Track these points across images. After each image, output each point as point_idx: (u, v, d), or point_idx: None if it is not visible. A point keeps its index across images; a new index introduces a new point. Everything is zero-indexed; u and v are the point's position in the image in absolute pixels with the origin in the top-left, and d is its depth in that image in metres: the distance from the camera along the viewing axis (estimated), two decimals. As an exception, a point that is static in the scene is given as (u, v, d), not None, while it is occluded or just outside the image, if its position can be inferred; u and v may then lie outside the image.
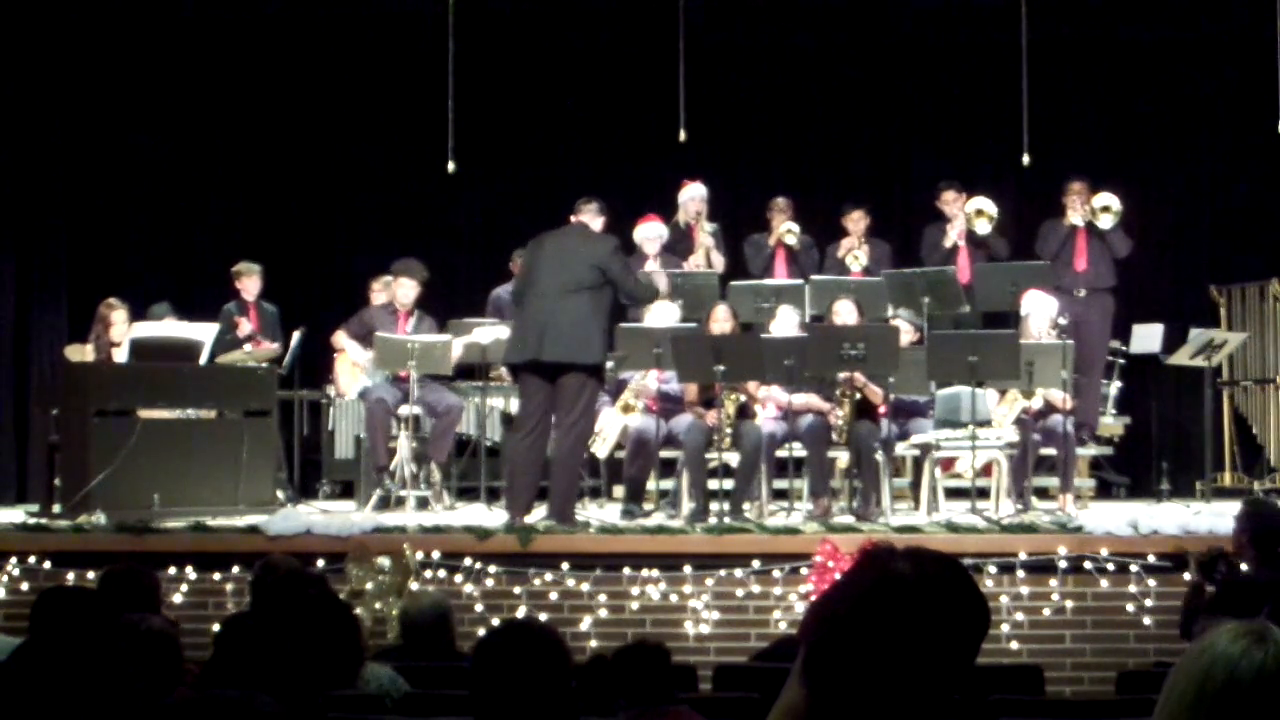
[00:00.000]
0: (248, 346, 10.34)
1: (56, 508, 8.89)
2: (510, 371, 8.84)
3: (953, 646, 1.91)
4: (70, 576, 7.81)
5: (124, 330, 9.87)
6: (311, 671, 4.39)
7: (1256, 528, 6.12)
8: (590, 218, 8.65)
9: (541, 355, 8.26)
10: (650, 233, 10.29)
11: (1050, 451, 9.05)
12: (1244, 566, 6.23)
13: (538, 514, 8.44)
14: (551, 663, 3.20)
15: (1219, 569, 6.18)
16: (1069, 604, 7.61)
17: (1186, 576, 7.20)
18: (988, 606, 1.96)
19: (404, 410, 9.60)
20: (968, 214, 10.50)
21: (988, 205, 10.46)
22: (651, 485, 9.33)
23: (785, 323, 9.28)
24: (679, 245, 10.57)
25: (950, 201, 10.64)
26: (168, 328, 10.05)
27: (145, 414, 9.10)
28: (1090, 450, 10.13)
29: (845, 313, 9.06)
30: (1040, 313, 9.14)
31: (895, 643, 1.88)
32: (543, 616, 7.66)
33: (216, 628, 5.45)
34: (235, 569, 7.86)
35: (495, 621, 7.73)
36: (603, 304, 8.42)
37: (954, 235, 10.53)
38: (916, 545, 1.96)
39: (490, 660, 3.21)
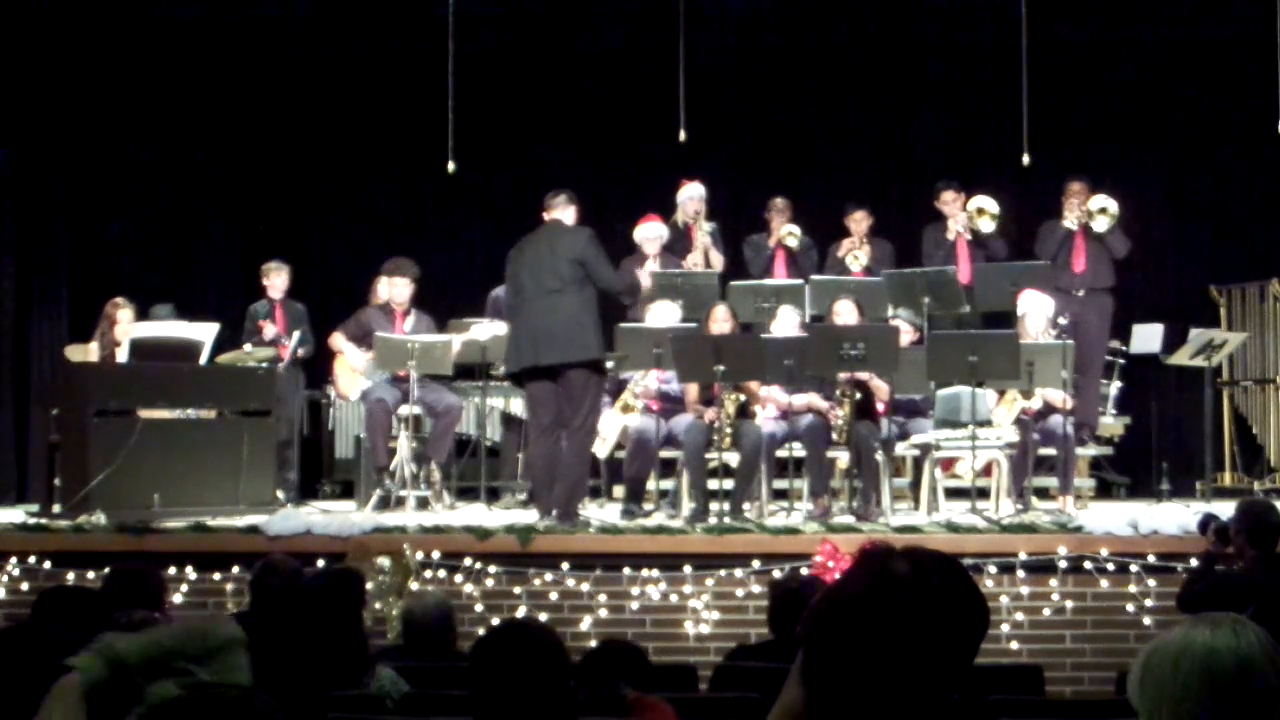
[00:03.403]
0: (248, 346, 10.33)
1: (56, 508, 8.88)
2: (513, 380, 8.86)
3: (951, 646, 1.90)
4: (70, 576, 7.81)
5: (129, 329, 9.88)
6: (311, 671, 4.39)
7: (1253, 527, 6.13)
8: (561, 211, 8.66)
9: (539, 360, 8.28)
10: (650, 233, 10.30)
11: (1050, 452, 9.05)
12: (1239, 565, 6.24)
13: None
14: (549, 662, 3.20)
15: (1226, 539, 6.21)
16: (1069, 604, 7.61)
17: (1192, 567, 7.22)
18: (986, 606, 1.95)
19: (404, 410, 9.60)
20: (969, 213, 10.50)
21: (989, 204, 10.46)
22: (651, 485, 9.34)
23: (785, 323, 9.29)
24: (677, 245, 10.58)
25: (949, 201, 10.63)
26: (167, 328, 10.06)
27: (145, 414, 9.09)
28: (1090, 450, 10.14)
29: (845, 313, 9.06)
30: (1037, 312, 9.14)
31: (893, 643, 1.87)
32: (543, 616, 7.66)
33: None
34: (235, 569, 7.86)
35: (495, 621, 7.73)
36: (590, 298, 8.42)
37: (956, 227, 10.52)
38: (914, 545, 1.96)
39: (488, 660, 3.21)
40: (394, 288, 9.97)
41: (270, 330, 10.53)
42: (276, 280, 10.81)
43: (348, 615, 4.74)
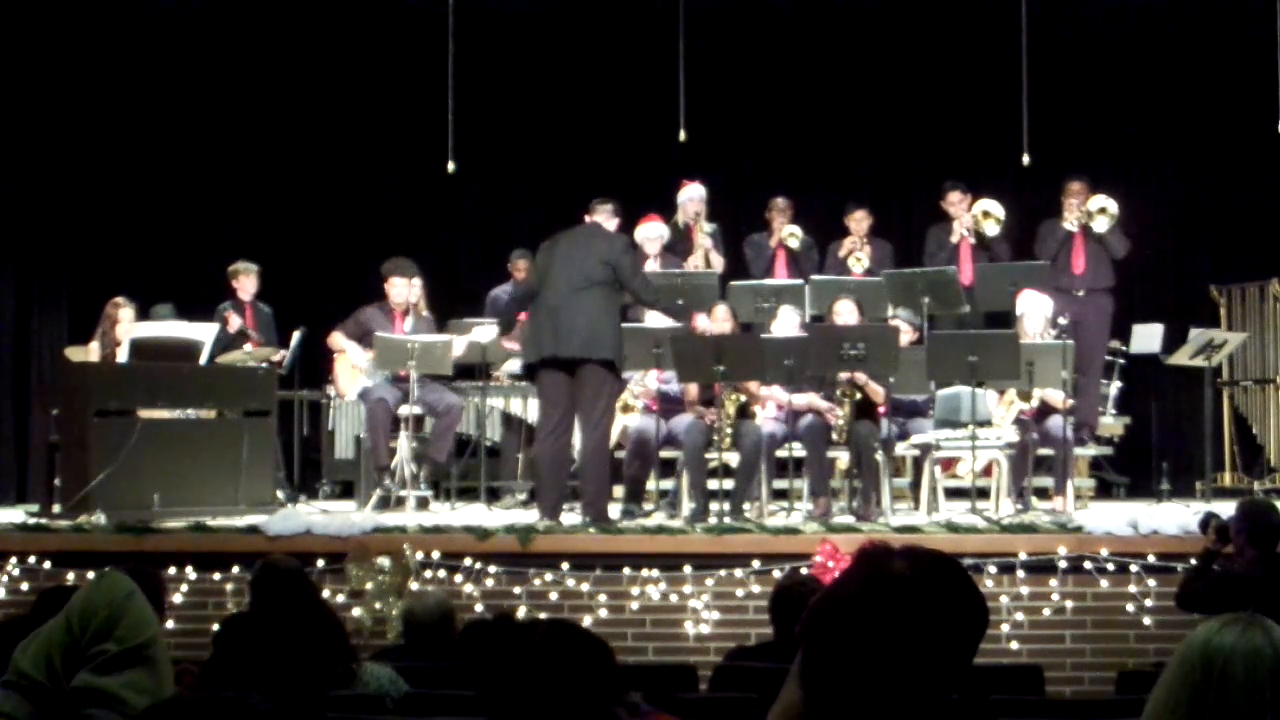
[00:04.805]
0: (248, 346, 10.34)
1: (56, 508, 8.89)
2: (527, 372, 8.86)
3: (950, 646, 1.90)
4: (70, 576, 7.80)
5: (129, 330, 9.88)
6: (310, 671, 4.38)
7: (1253, 527, 6.14)
8: (605, 218, 8.72)
9: (558, 351, 8.32)
10: (651, 233, 10.29)
11: (1050, 452, 9.05)
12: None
13: (572, 516, 8.47)
14: (599, 667, 3.07)
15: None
16: (1069, 604, 7.61)
17: (1190, 568, 7.24)
18: (985, 606, 1.95)
19: (404, 410, 9.60)
20: (975, 216, 10.50)
21: (995, 208, 10.46)
22: (651, 485, 9.34)
23: (785, 323, 9.29)
24: (678, 245, 10.58)
25: (955, 203, 10.64)
26: (168, 328, 10.06)
27: (145, 414, 9.09)
28: (1090, 450, 10.14)
29: (845, 313, 9.06)
30: (1035, 312, 9.15)
31: (892, 642, 1.87)
32: (542, 616, 7.67)
33: (216, 628, 5.45)
34: (235, 569, 7.86)
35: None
36: (614, 301, 8.48)
37: (960, 230, 10.53)
38: (913, 544, 1.96)
39: (535, 661, 3.05)
40: (393, 287, 9.97)
41: (235, 321, 10.52)
42: (246, 282, 10.80)
43: (303, 612, 4.71)
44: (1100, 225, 10.25)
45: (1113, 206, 10.24)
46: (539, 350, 8.47)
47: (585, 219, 8.79)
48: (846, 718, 1.88)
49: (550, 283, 8.48)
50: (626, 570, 7.79)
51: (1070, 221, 10.34)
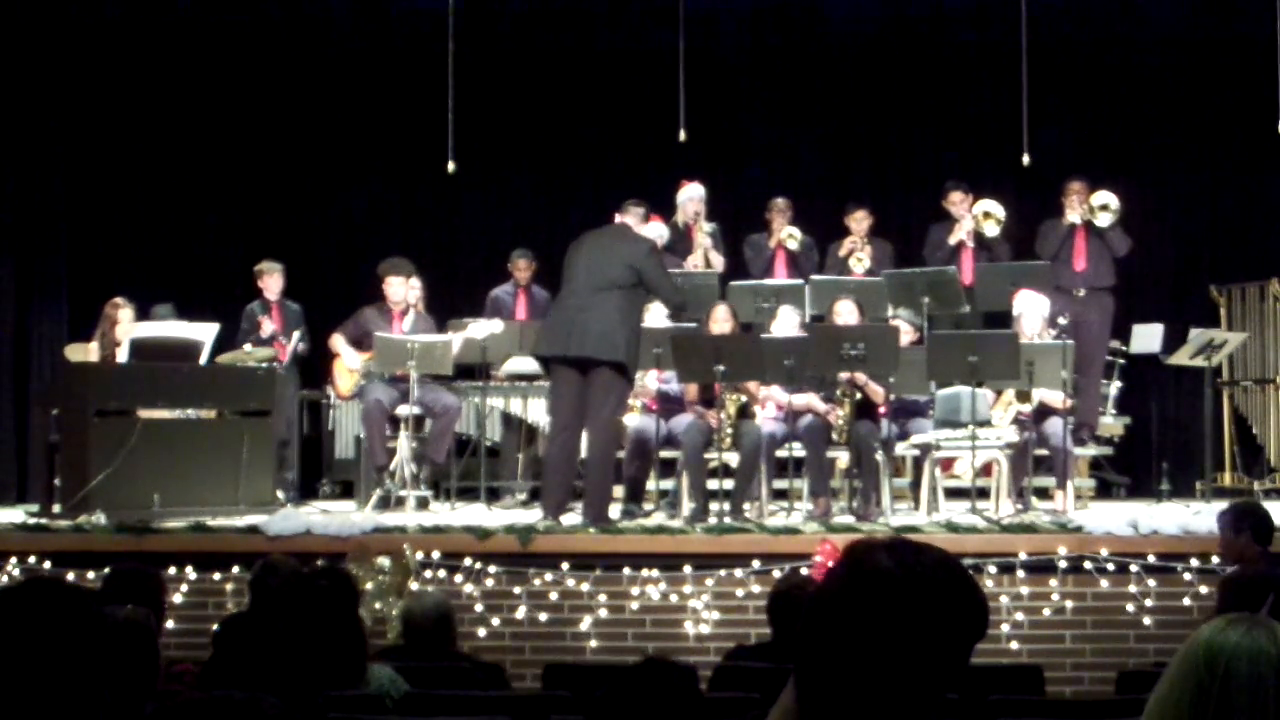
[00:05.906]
0: (247, 346, 10.35)
1: (56, 508, 8.88)
2: (541, 365, 8.87)
3: (943, 643, 1.83)
4: (70, 576, 7.80)
5: (129, 330, 9.89)
6: (312, 671, 4.38)
7: (1256, 524, 6.13)
8: (634, 220, 8.71)
9: (569, 350, 8.32)
10: (651, 233, 10.27)
11: (1048, 452, 9.06)
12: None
13: (572, 516, 8.47)
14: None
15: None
16: (1069, 604, 7.61)
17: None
18: (982, 601, 1.87)
19: (403, 410, 9.60)
20: (975, 216, 10.50)
21: (995, 208, 10.47)
22: (651, 485, 9.33)
23: (785, 323, 9.29)
24: (678, 245, 10.57)
25: (957, 203, 10.64)
26: (168, 328, 10.06)
27: (145, 414, 9.09)
28: (1090, 450, 10.14)
29: (845, 313, 9.07)
30: (1033, 312, 9.15)
31: (880, 641, 1.80)
32: (542, 616, 7.68)
33: (216, 628, 5.46)
34: (235, 569, 7.86)
35: (496, 622, 7.74)
36: (634, 304, 8.46)
37: (961, 234, 10.55)
38: (900, 536, 1.91)
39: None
40: (390, 287, 9.97)
41: (269, 327, 10.53)
42: (271, 281, 10.80)
43: (346, 615, 4.73)
44: (1103, 220, 10.25)
45: (1115, 202, 10.24)
46: (549, 346, 8.48)
47: (616, 218, 8.78)
48: (838, 719, 1.84)
49: (572, 281, 8.50)
50: (626, 570, 7.79)
51: (1074, 215, 10.32)
